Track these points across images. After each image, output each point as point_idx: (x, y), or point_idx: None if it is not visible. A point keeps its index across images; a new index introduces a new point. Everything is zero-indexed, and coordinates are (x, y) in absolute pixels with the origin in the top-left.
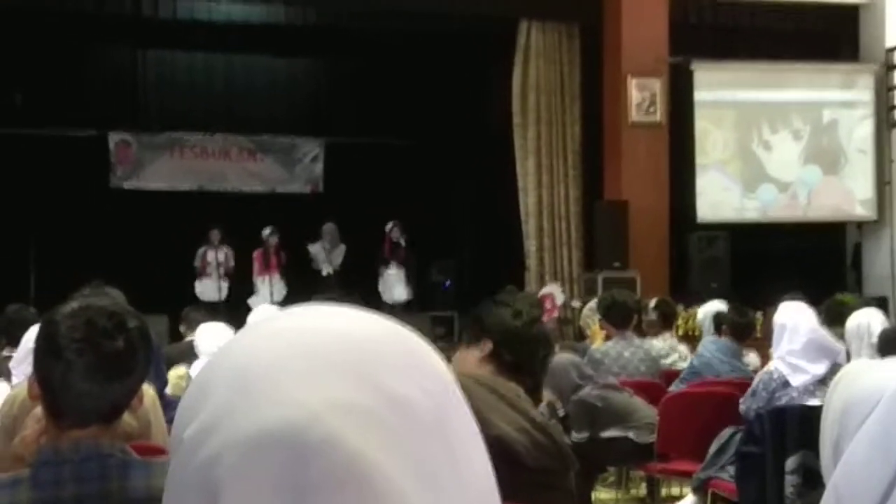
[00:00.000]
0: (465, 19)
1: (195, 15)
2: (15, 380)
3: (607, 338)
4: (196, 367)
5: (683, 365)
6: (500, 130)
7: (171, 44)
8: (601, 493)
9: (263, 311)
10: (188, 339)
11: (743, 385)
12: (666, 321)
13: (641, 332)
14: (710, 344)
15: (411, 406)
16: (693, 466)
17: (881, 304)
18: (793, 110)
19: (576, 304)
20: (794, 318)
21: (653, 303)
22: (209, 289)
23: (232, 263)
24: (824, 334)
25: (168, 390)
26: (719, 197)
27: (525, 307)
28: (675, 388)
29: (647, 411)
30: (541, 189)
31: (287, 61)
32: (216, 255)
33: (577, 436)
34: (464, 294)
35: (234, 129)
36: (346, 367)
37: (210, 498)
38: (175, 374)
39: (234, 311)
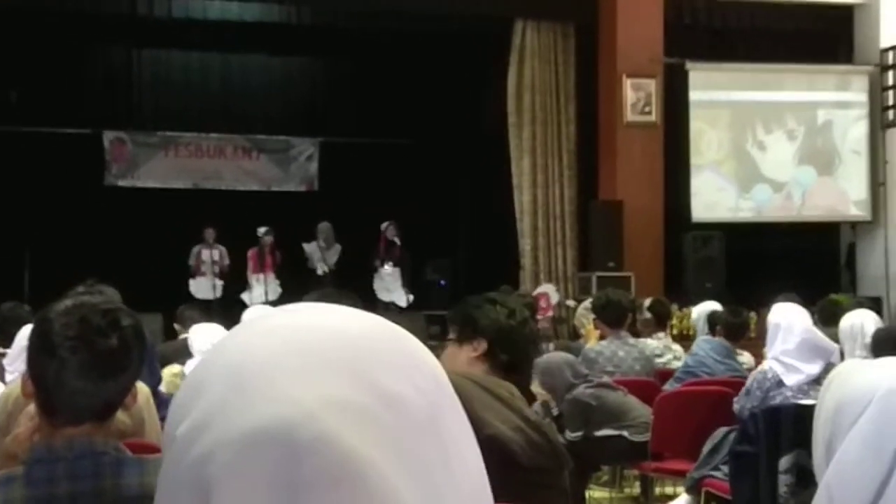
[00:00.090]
0: (460, 19)
1: (190, 14)
2: (9, 377)
3: (601, 337)
4: (190, 366)
5: (678, 364)
6: (495, 130)
7: (166, 42)
8: (595, 492)
9: (257, 309)
10: (182, 337)
11: (737, 384)
12: (660, 321)
13: (636, 332)
14: (705, 343)
15: (405, 404)
16: (687, 465)
17: (875, 304)
18: (787, 111)
19: (570, 303)
20: (789, 318)
21: (647, 302)
22: (203, 287)
23: (227, 262)
24: (818, 334)
25: (162, 388)
26: (714, 197)
27: (518, 306)
28: (669, 387)
29: (642, 410)
30: (536, 188)
31: (282, 60)
32: (211, 254)
33: (571, 434)
34: (459, 293)
35: (230, 127)
36: (340, 365)
37: (202, 495)
38: (169, 372)
39: (229, 310)
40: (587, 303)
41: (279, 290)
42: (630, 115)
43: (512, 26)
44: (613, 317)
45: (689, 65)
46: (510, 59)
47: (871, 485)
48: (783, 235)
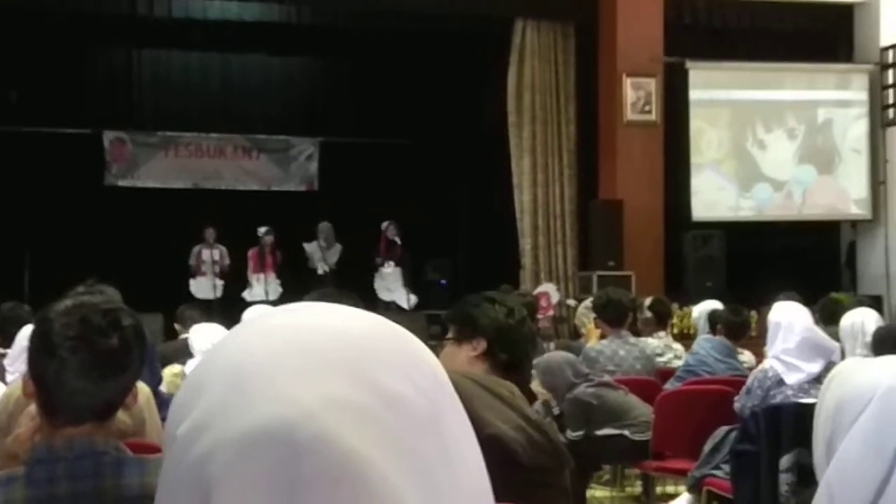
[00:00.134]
0: (460, 19)
1: (190, 14)
2: (9, 378)
3: (602, 336)
4: (191, 365)
5: (679, 363)
6: (495, 130)
7: (166, 42)
8: (596, 492)
9: (258, 309)
10: (183, 337)
11: (738, 383)
12: (661, 320)
13: (636, 331)
14: (705, 342)
15: (405, 403)
16: (688, 464)
17: (875, 302)
18: (787, 109)
19: (571, 302)
20: (789, 317)
21: (648, 301)
22: (204, 287)
23: (227, 262)
24: (819, 333)
25: (163, 388)
26: (714, 196)
27: (516, 305)
28: (670, 386)
29: (643, 409)
30: (536, 188)
31: (282, 60)
32: (211, 254)
33: (572, 434)
34: (459, 293)
35: (230, 127)
36: (340, 365)
37: (203, 495)
38: (170, 371)
39: (229, 310)
40: (588, 302)
41: (280, 289)
42: (630, 115)
43: (512, 26)
44: (614, 316)
45: (689, 64)
46: (510, 58)
47: (871, 483)
48: (783, 234)
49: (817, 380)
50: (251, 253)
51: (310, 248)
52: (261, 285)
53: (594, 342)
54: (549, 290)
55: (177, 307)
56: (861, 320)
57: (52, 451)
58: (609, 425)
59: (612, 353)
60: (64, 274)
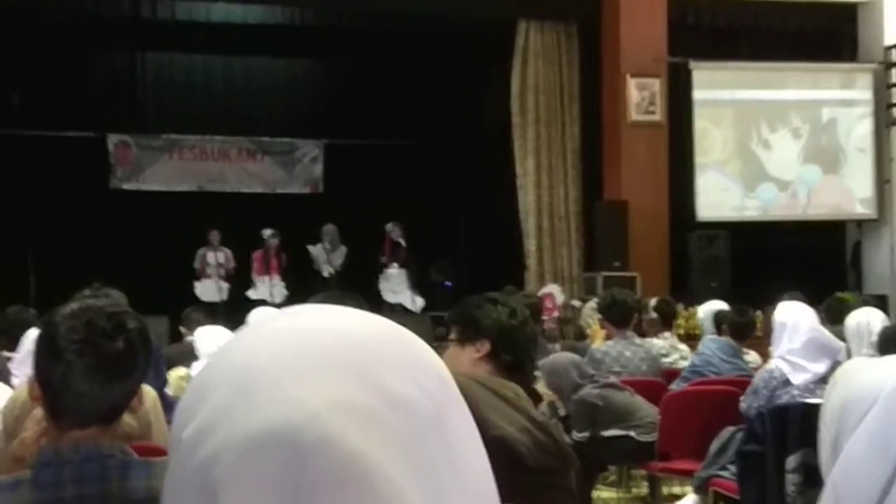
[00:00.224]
0: (463, 20)
1: (193, 16)
2: (15, 381)
3: (607, 337)
4: (196, 368)
5: (684, 364)
6: (499, 131)
7: (169, 45)
8: (602, 492)
9: (263, 311)
10: (188, 339)
11: (743, 383)
12: (666, 321)
13: (641, 332)
14: (711, 343)
15: (411, 405)
16: (694, 465)
17: (881, 302)
18: (792, 109)
19: (576, 303)
20: (795, 317)
21: (653, 302)
22: (209, 290)
23: (232, 264)
24: (825, 333)
25: (168, 391)
26: (719, 196)
27: (518, 305)
28: (675, 386)
29: (648, 410)
30: (540, 189)
31: (286, 62)
32: (216, 256)
33: (578, 435)
34: (464, 294)
35: (234, 130)
36: (345, 367)
37: (209, 498)
38: (175, 374)
39: (234, 312)
40: (593, 303)
41: (285, 292)
42: (634, 115)
43: (515, 27)
44: (619, 317)
45: (692, 64)
46: (514, 59)
47: (877, 483)
48: (789, 234)
49: (823, 380)
50: (256, 255)
51: (315, 250)
52: (266, 288)
53: (599, 343)
54: (554, 292)
55: (182, 310)
56: (867, 320)
57: (59, 455)
58: (615, 426)
59: (617, 353)
60: (69, 277)
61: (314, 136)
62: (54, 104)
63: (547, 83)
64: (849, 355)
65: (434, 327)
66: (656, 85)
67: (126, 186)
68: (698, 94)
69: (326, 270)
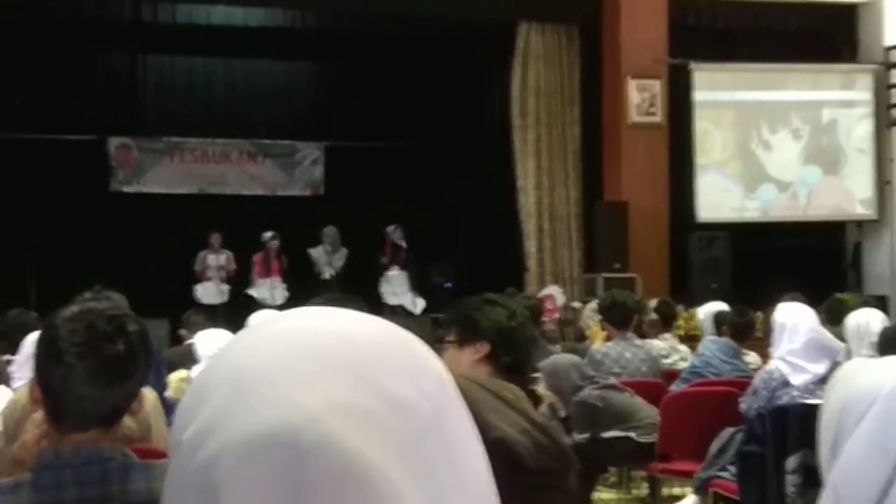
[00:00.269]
0: (463, 22)
1: (194, 19)
2: (16, 384)
3: (608, 338)
4: (197, 371)
5: (684, 365)
6: (499, 132)
7: (170, 48)
8: (603, 494)
9: (264, 314)
10: (189, 342)
11: (743, 384)
12: (666, 322)
13: (642, 333)
14: (711, 344)
15: (410, 407)
16: (694, 466)
17: (881, 302)
18: (792, 110)
19: (576, 304)
20: (794, 318)
21: (653, 303)
22: (210, 292)
23: (233, 267)
24: (824, 333)
25: (169, 393)
26: (719, 197)
27: (517, 307)
28: (675, 387)
29: (648, 411)
30: (541, 190)
31: (286, 65)
32: (217, 259)
33: (578, 436)
34: (464, 296)
35: (234, 132)
36: (344, 368)
37: (209, 499)
38: (176, 377)
39: (235, 315)
40: (593, 304)
41: (286, 294)
42: (634, 116)
43: (515, 29)
44: (619, 318)
45: (693, 65)
46: (514, 61)
47: (876, 483)
48: (789, 235)
49: (823, 380)
50: (256, 258)
51: (315, 253)
52: (266, 290)
53: (599, 344)
54: (555, 293)
55: (182, 312)
56: (867, 320)
57: (59, 458)
58: (615, 427)
59: (617, 355)
60: (70, 280)
61: (315, 139)
62: (55, 107)
63: (547, 85)
64: (849, 356)
65: (435, 329)
66: (656, 86)
67: (127, 189)
68: (698, 96)
69: (327, 272)
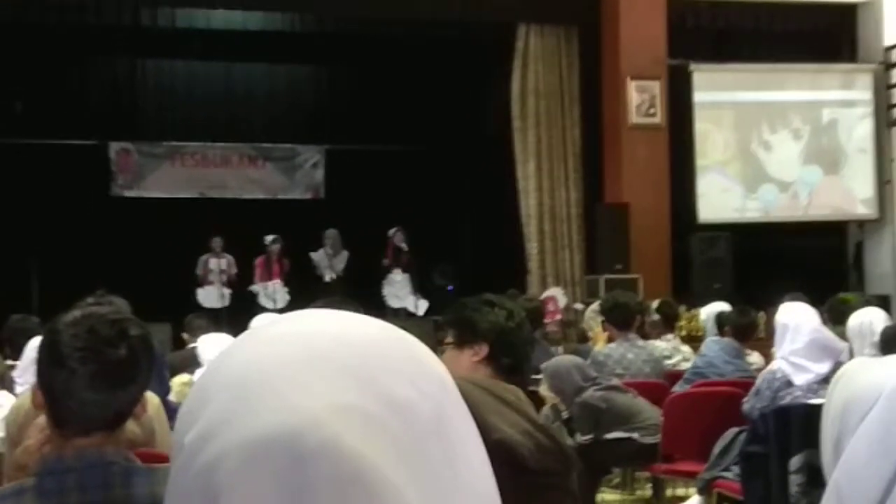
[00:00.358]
0: (463, 25)
1: (193, 24)
2: (19, 389)
3: (610, 340)
4: (199, 375)
5: (687, 365)
6: (499, 134)
7: (170, 52)
8: (606, 495)
9: (266, 317)
10: (191, 346)
11: (746, 385)
12: (668, 322)
13: (644, 334)
14: (713, 344)
15: (411, 409)
16: (698, 467)
17: (883, 302)
18: (792, 110)
19: (578, 306)
20: (797, 318)
21: (655, 304)
22: (211, 296)
23: (234, 271)
24: (827, 333)
25: (172, 397)
26: (720, 198)
27: (516, 307)
28: (678, 388)
29: (651, 412)
30: (541, 192)
31: (286, 68)
32: (218, 263)
33: (581, 438)
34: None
35: (235, 136)
36: (345, 371)
37: (210, 503)
38: (179, 381)
39: (237, 319)
40: (595, 305)
41: (287, 297)
42: (634, 118)
43: (515, 31)
44: (621, 319)
45: (692, 66)
46: (514, 63)
47: (879, 483)
48: (790, 235)
49: (826, 380)
50: (258, 261)
51: (317, 256)
52: (268, 293)
53: (602, 346)
54: (557, 295)
55: (185, 316)
56: (869, 320)
57: (62, 462)
58: (618, 429)
59: (620, 356)
60: (72, 285)
61: (315, 142)
62: (56, 112)
63: (547, 86)
64: (851, 355)
65: (436, 331)
66: (656, 87)
67: (128, 194)
68: (698, 96)
69: (328, 275)
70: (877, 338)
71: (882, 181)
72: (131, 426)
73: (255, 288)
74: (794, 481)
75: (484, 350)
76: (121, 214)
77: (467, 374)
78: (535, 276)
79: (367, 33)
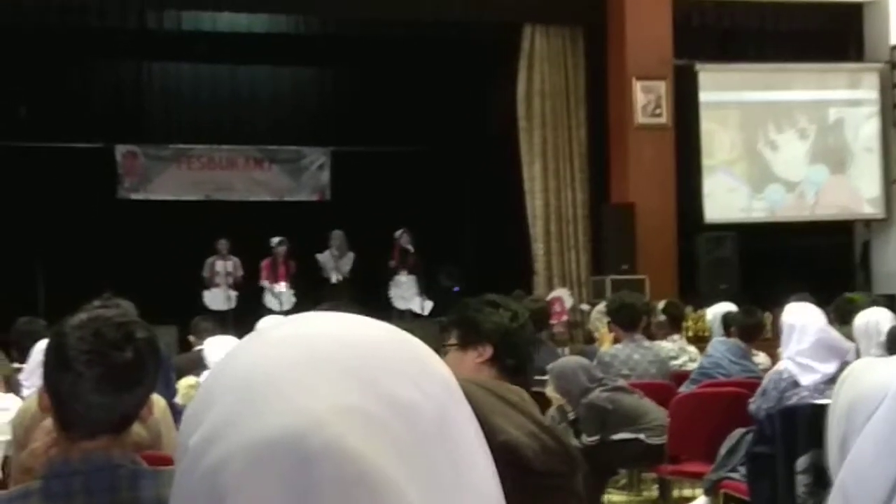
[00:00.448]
0: (468, 26)
1: (199, 26)
2: (25, 392)
3: (616, 340)
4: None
5: (693, 366)
6: (505, 135)
7: (175, 55)
8: (613, 496)
9: (271, 319)
10: (197, 348)
11: (753, 385)
12: (674, 323)
13: (650, 335)
14: (720, 345)
15: (415, 410)
16: (704, 467)
17: (890, 302)
18: (798, 110)
19: (584, 307)
20: (803, 318)
21: (661, 305)
22: (218, 298)
23: (241, 273)
24: (833, 333)
25: (178, 400)
26: (726, 198)
27: (519, 308)
28: (684, 389)
29: (658, 413)
30: (547, 193)
31: (292, 70)
32: (224, 265)
33: (587, 439)
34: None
35: (240, 138)
36: (349, 373)
37: None
38: (185, 383)
39: (243, 321)
40: (601, 306)
41: (293, 299)
42: (640, 118)
43: (521, 31)
44: (628, 320)
45: (698, 66)
46: (519, 64)
47: (885, 483)
48: (797, 235)
49: (832, 380)
50: (264, 263)
51: (322, 258)
52: (274, 295)
53: (608, 346)
54: (563, 295)
55: (191, 319)
56: (875, 319)
57: (69, 465)
58: (624, 430)
59: (626, 357)
60: (79, 288)
61: (321, 144)
62: (61, 115)
63: (553, 87)
64: (857, 355)
65: (440, 332)
66: (662, 87)
67: (134, 196)
68: (704, 96)
69: (335, 277)
70: (883, 338)
71: (889, 180)
72: (137, 429)
73: (264, 283)
74: (801, 482)
75: (488, 351)
76: (127, 217)
77: (471, 376)
78: (542, 276)
79: (371, 35)
